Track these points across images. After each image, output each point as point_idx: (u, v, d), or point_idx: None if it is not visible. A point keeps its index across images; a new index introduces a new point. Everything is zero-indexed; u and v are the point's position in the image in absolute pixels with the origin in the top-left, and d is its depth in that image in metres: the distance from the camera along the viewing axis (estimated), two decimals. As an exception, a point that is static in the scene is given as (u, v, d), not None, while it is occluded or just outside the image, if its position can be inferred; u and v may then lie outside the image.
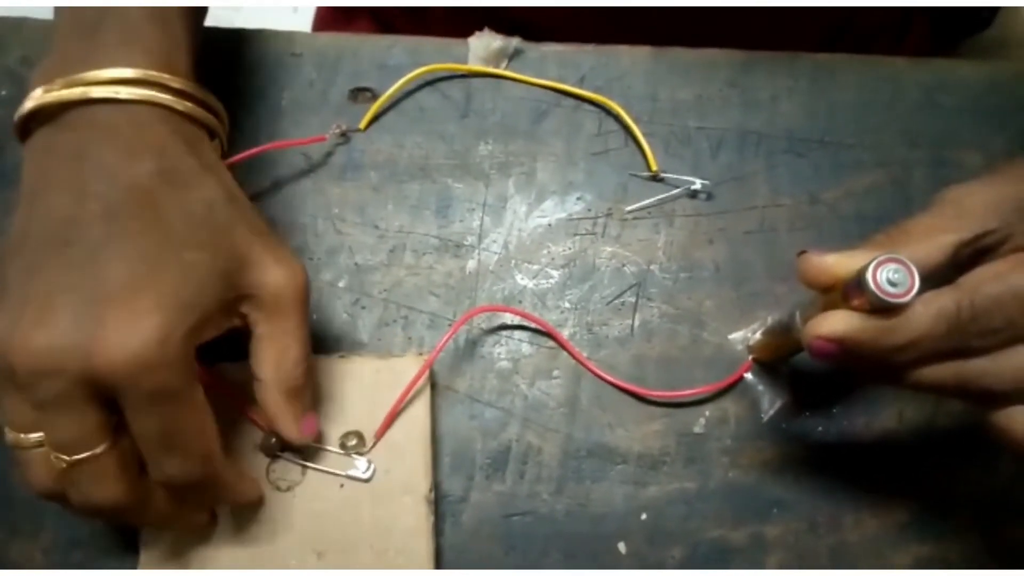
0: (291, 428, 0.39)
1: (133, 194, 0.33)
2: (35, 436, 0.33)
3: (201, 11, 0.43)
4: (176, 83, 0.36)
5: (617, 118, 0.50)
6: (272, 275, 0.36)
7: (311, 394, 0.40)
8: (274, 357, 0.37)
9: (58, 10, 0.38)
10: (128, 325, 0.31)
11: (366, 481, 0.41)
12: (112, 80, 0.35)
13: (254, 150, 0.46)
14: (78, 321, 0.31)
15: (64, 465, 0.32)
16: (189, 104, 0.37)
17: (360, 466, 0.41)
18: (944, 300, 0.32)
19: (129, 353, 0.31)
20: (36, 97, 0.35)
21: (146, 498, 0.35)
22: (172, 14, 0.38)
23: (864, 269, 0.31)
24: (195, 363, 0.33)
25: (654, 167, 0.49)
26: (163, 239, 0.33)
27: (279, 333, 0.37)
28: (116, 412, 0.32)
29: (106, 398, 0.32)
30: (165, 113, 0.36)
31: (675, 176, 0.49)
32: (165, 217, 0.34)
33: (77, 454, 0.32)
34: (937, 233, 0.34)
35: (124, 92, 0.35)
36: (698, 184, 0.49)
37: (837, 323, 0.33)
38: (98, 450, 0.32)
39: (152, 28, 0.37)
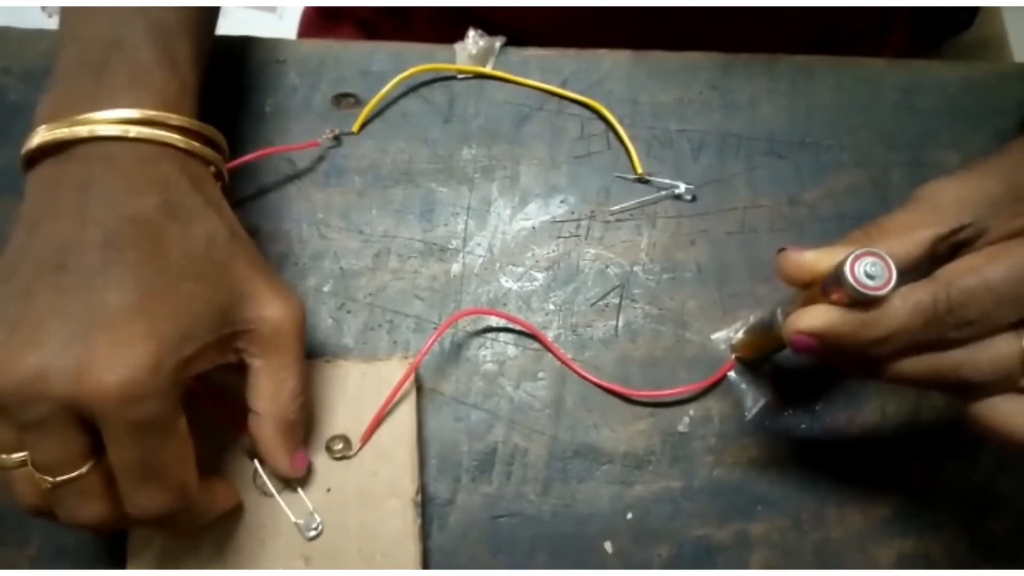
0: (284, 463, 0.39)
1: (134, 224, 0.33)
2: (18, 456, 0.33)
3: (208, 47, 0.44)
4: (182, 122, 0.36)
5: (602, 120, 0.51)
6: (270, 310, 0.36)
7: (304, 429, 0.41)
8: (271, 391, 0.37)
9: (63, 42, 0.38)
10: (119, 352, 0.31)
11: (309, 540, 0.41)
12: (120, 120, 0.35)
13: (249, 156, 0.46)
14: (68, 345, 0.31)
15: (48, 486, 0.32)
16: (195, 143, 0.37)
17: (309, 524, 0.41)
18: (921, 293, 0.32)
19: (118, 380, 0.30)
20: (42, 133, 0.35)
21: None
22: (181, 56, 0.38)
23: (842, 263, 0.32)
24: (181, 394, 0.33)
25: (639, 170, 0.49)
26: (161, 269, 0.33)
27: (276, 367, 0.37)
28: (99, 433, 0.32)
29: (90, 422, 0.32)
30: (171, 151, 0.36)
31: (659, 180, 0.50)
32: (165, 249, 0.34)
33: (61, 475, 0.32)
34: (914, 228, 0.34)
35: (133, 131, 0.35)
36: (682, 188, 0.49)
37: (816, 317, 0.33)
38: (81, 471, 0.32)
39: (161, 71, 0.37)
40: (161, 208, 0.34)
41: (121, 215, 0.33)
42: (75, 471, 0.32)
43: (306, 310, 0.38)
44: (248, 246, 0.38)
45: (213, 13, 0.45)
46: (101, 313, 0.31)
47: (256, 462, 0.41)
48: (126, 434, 0.31)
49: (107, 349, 0.31)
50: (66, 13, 0.39)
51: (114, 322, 0.31)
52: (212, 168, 0.39)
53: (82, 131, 0.34)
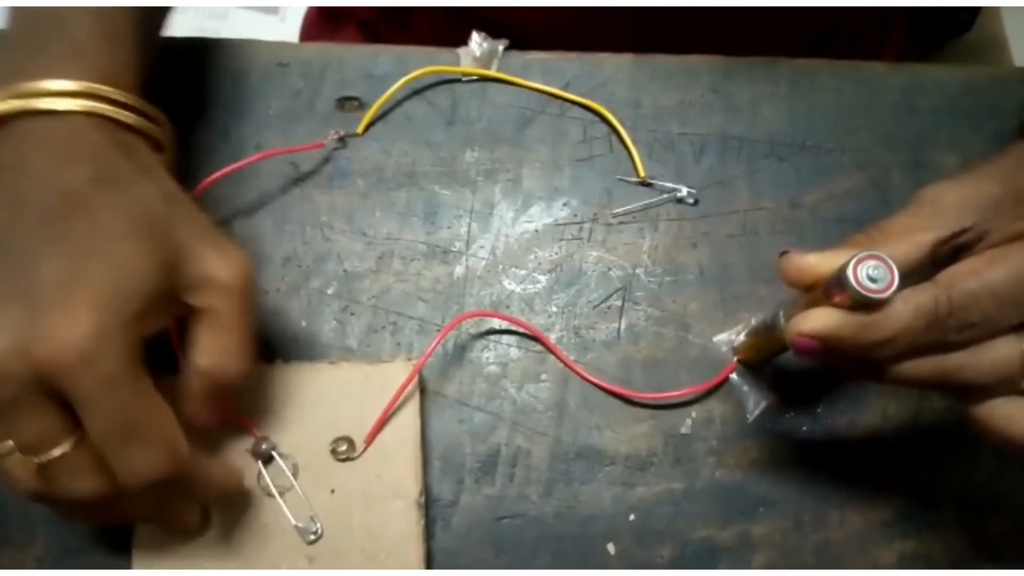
0: (200, 416, 0.38)
1: (66, 197, 0.34)
2: (9, 443, 0.33)
3: (156, 26, 0.44)
4: (117, 95, 0.37)
5: (604, 123, 0.51)
6: (213, 267, 0.36)
7: (240, 401, 0.41)
8: (209, 347, 0.36)
9: (11, 22, 0.38)
10: (64, 320, 0.31)
11: (309, 543, 0.41)
12: (53, 92, 0.35)
13: (253, 158, 0.47)
14: (17, 326, 0.31)
15: (37, 466, 0.33)
16: (128, 114, 0.37)
17: (310, 527, 0.41)
18: (922, 296, 0.32)
19: (67, 347, 0.31)
20: None
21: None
22: (122, 30, 0.39)
23: (845, 266, 0.32)
24: (143, 358, 0.33)
25: (642, 172, 0.50)
26: (97, 236, 0.33)
27: (218, 326, 0.36)
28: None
29: (60, 398, 0.32)
30: (102, 122, 0.36)
31: (661, 182, 0.50)
32: (100, 217, 0.34)
33: (46, 453, 0.32)
34: (915, 231, 0.34)
35: (63, 104, 0.35)
36: (684, 191, 0.49)
37: (819, 320, 0.33)
38: (65, 447, 0.33)
39: (99, 43, 0.37)
40: (92, 179, 0.34)
41: (52, 190, 0.34)
42: (59, 447, 0.32)
43: (254, 271, 0.37)
44: (187, 208, 0.37)
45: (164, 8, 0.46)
46: (42, 288, 0.32)
47: (260, 463, 0.41)
48: (93, 398, 0.32)
49: (52, 321, 0.31)
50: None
51: (54, 295, 0.32)
52: (149, 140, 0.39)
53: (16, 105, 0.35)
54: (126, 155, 0.36)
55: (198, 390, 0.37)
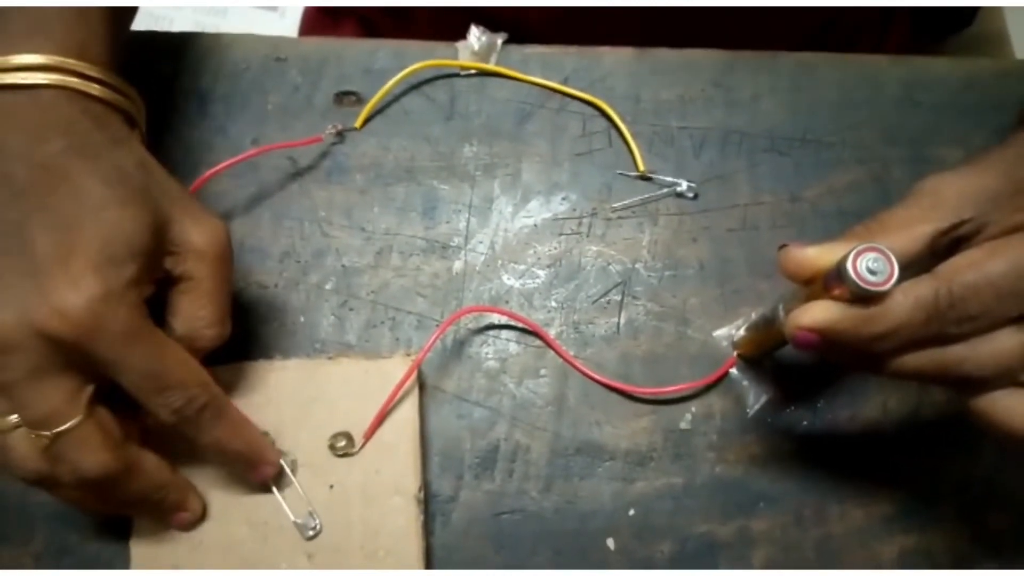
0: None
1: (44, 171, 0.34)
2: (12, 419, 0.34)
3: (126, 15, 0.44)
4: (84, 68, 0.37)
5: (604, 118, 0.51)
6: (190, 233, 0.36)
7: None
8: (185, 314, 0.37)
9: None
10: (70, 289, 0.32)
11: (308, 539, 0.41)
12: (21, 66, 0.35)
13: (251, 152, 0.46)
14: (21, 298, 0.32)
15: (47, 441, 0.33)
16: (97, 87, 0.37)
17: (308, 524, 0.41)
18: (922, 288, 0.32)
19: (82, 313, 0.31)
20: None
21: (135, 465, 0.36)
22: (90, 4, 0.39)
23: (844, 259, 0.32)
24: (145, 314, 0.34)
25: (641, 167, 0.49)
26: (81, 204, 0.33)
27: (196, 293, 0.37)
28: (88, 380, 0.34)
29: (78, 367, 0.33)
30: (72, 95, 0.36)
31: (661, 177, 0.50)
32: (80, 185, 0.34)
33: (56, 427, 0.33)
34: (914, 223, 0.34)
35: (32, 78, 0.35)
36: (684, 186, 0.49)
37: (818, 313, 0.33)
38: (76, 420, 0.33)
39: (67, 17, 0.37)
40: (67, 150, 0.34)
41: (29, 165, 0.34)
42: (70, 420, 0.33)
43: (230, 238, 0.38)
44: (162, 176, 0.37)
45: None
46: (40, 260, 0.32)
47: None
48: (120, 355, 0.33)
49: (58, 291, 0.32)
50: None
51: (55, 265, 0.32)
52: (121, 114, 0.39)
53: None
54: (99, 126, 0.36)
55: None
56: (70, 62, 0.36)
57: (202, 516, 0.41)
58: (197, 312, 0.37)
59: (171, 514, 0.40)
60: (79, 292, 0.32)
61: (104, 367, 0.33)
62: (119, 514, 0.41)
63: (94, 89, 0.37)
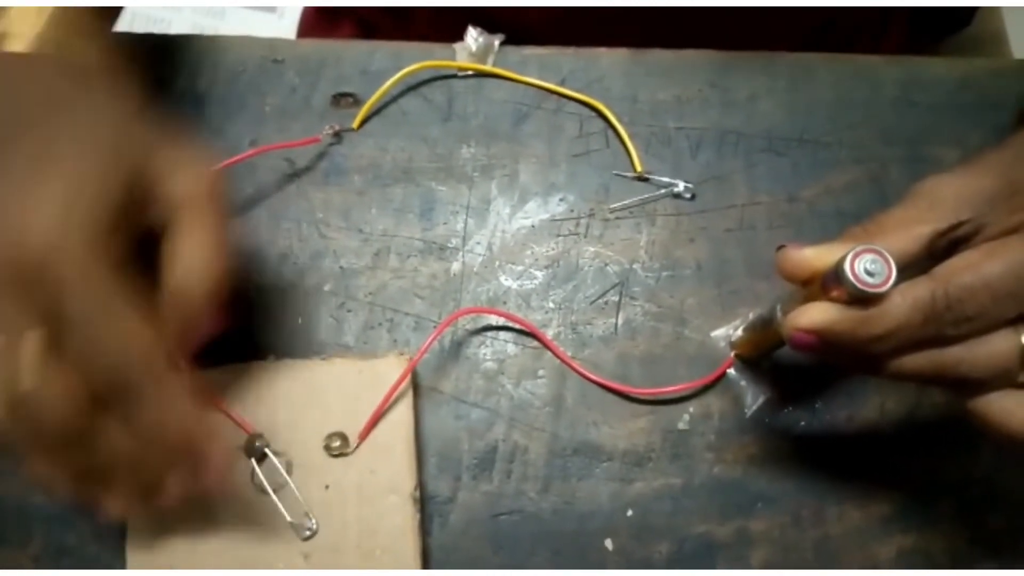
0: (181, 347, 0.36)
1: (19, 123, 0.34)
2: None
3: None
4: (66, 33, 0.37)
5: (601, 119, 0.51)
6: (171, 183, 0.35)
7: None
8: (172, 264, 0.35)
9: None
10: (28, 213, 0.31)
11: (304, 540, 0.41)
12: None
13: (249, 153, 0.46)
14: None
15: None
16: (81, 43, 0.38)
17: (304, 524, 0.41)
18: (920, 290, 0.32)
19: (35, 232, 0.31)
20: None
21: (99, 431, 0.33)
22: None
23: (842, 260, 0.32)
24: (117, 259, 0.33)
25: (639, 168, 0.49)
26: (53, 143, 0.33)
27: (189, 239, 0.35)
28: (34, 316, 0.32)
29: (28, 297, 0.31)
30: (50, 56, 0.37)
31: (658, 177, 0.50)
32: (56, 129, 0.34)
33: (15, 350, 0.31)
34: (912, 224, 0.34)
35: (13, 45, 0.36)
36: (681, 186, 0.49)
37: (816, 314, 0.33)
38: (36, 343, 0.31)
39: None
40: (44, 102, 0.35)
41: (4, 120, 0.34)
42: (29, 342, 0.31)
43: (218, 182, 0.36)
44: (146, 127, 0.36)
45: None
46: (2, 196, 0.32)
47: (253, 461, 0.41)
48: (65, 282, 0.31)
49: (15, 214, 0.31)
50: None
51: (16, 196, 0.32)
52: (105, 70, 0.39)
53: None
54: (79, 80, 0.36)
55: (172, 311, 0.35)
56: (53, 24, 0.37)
57: (180, 503, 0.37)
58: (183, 262, 0.35)
59: (148, 499, 0.36)
60: (36, 215, 0.31)
61: (48, 292, 0.31)
62: (97, 498, 0.37)
63: (76, 48, 0.38)
